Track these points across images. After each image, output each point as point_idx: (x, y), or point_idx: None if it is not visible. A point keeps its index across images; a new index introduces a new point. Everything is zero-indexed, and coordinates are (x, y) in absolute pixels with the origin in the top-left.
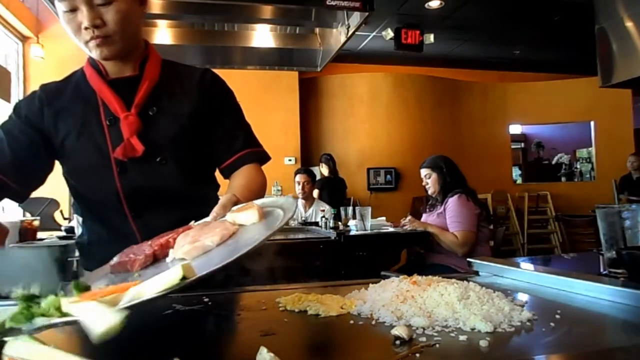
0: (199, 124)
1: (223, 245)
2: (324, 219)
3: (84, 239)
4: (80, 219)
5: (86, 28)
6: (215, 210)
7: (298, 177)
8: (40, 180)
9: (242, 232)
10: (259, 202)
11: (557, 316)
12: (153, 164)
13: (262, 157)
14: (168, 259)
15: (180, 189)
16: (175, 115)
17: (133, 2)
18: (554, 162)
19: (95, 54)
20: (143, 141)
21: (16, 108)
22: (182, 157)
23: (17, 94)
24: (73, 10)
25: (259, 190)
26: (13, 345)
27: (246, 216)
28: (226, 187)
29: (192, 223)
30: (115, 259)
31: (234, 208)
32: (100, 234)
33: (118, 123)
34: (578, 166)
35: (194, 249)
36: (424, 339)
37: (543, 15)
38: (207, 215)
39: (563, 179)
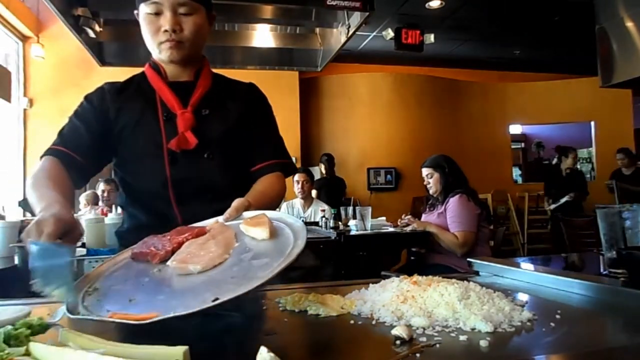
0: (243, 128)
1: (232, 267)
2: (324, 219)
3: (124, 227)
4: (120, 209)
5: (165, 31)
6: (229, 212)
7: (297, 176)
8: (101, 167)
9: (253, 253)
10: (268, 214)
11: (557, 316)
12: (201, 158)
13: (287, 169)
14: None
15: (221, 183)
16: (223, 117)
17: (206, 20)
18: (554, 162)
19: (164, 55)
20: (195, 136)
21: (88, 99)
22: (227, 155)
23: (17, 93)
24: (157, 14)
25: (275, 197)
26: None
27: (257, 232)
28: None
29: (210, 224)
30: (136, 248)
31: (247, 216)
32: (142, 220)
33: (174, 119)
34: (578, 166)
35: (179, 268)
36: (424, 339)
37: (543, 15)
38: None
39: None
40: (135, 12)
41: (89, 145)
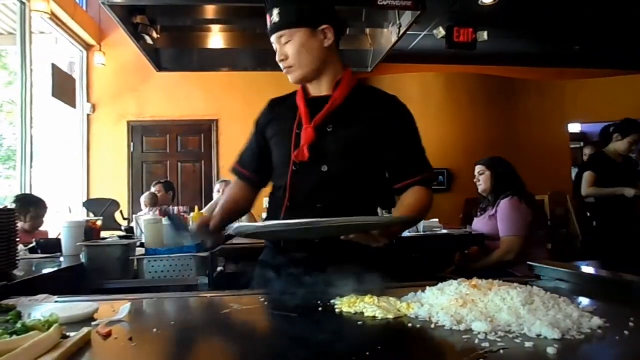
0: (374, 144)
1: None
2: None
3: None
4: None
5: (281, 60)
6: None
7: None
8: (269, 177)
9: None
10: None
11: (631, 324)
12: (318, 171)
13: (429, 181)
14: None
15: (335, 195)
16: (350, 132)
17: (309, 37)
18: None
19: (290, 79)
20: (313, 151)
21: (255, 121)
22: (347, 169)
23: (81, 99)
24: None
25: (422, 209)
26: None
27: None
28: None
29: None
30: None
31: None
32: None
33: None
34: None
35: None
36: (486, 344)
37: (604, 9)
38: None
39: None
40: None
41: (255, 166)
